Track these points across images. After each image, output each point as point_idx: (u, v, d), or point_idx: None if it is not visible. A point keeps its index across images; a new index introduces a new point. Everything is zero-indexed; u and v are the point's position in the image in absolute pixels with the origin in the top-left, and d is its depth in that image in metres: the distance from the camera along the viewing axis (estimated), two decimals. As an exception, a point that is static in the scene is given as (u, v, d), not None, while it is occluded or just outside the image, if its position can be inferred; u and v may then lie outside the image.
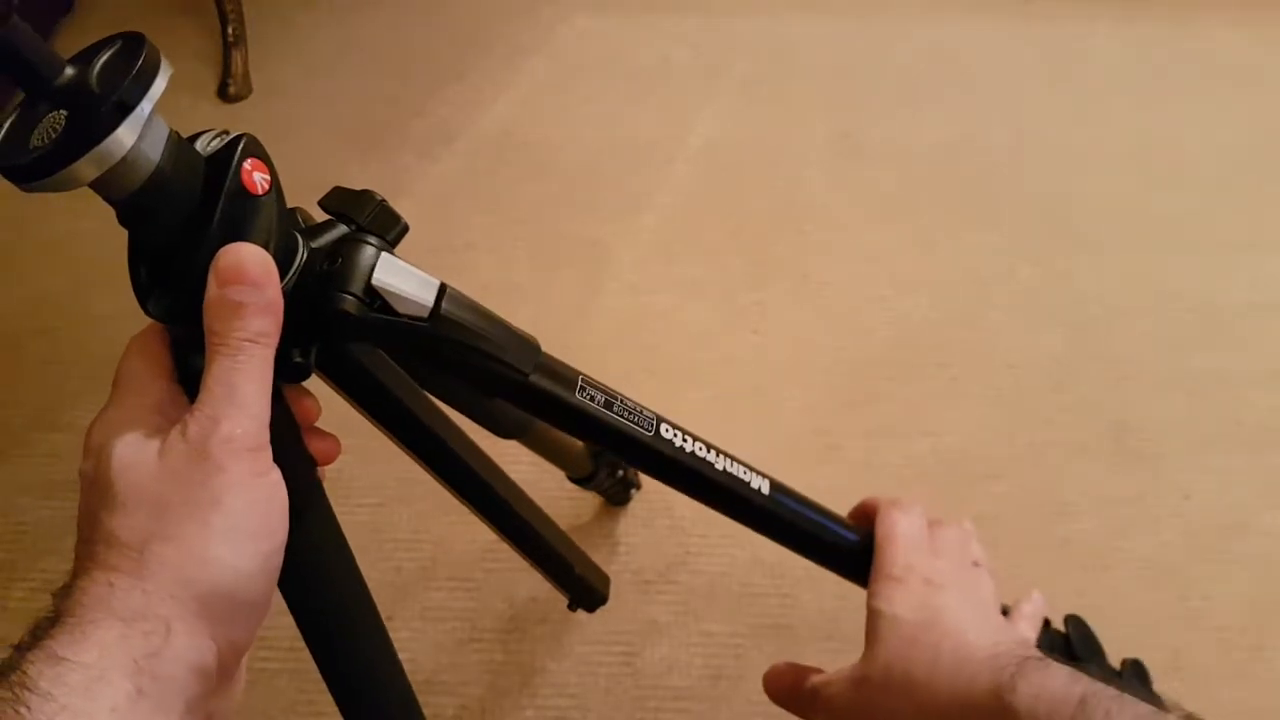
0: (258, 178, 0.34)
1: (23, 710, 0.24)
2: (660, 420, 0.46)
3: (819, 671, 0.49)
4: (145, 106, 0.29)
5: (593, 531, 0.89)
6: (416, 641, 0.82)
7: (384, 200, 0.40)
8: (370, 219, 0.39)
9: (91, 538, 0.30)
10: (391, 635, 0.89)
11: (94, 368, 1.02)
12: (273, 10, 1.43)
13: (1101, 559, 0.87)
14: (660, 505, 0.87)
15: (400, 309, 0.37)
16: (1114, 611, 0.84)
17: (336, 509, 1.02)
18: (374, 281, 0.36)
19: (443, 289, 0.39)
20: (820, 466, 0.92)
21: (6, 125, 0.30)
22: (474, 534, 0.89)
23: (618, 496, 0.88)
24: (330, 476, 1.01)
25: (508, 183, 1.21)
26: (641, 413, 0.46)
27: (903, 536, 0.50)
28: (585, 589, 0.71)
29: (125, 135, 0.29)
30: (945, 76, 1.36)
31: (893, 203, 1.18)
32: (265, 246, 0.33)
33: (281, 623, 0.92)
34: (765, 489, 0.50)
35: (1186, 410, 0.97)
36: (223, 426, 0.30)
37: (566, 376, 0.45)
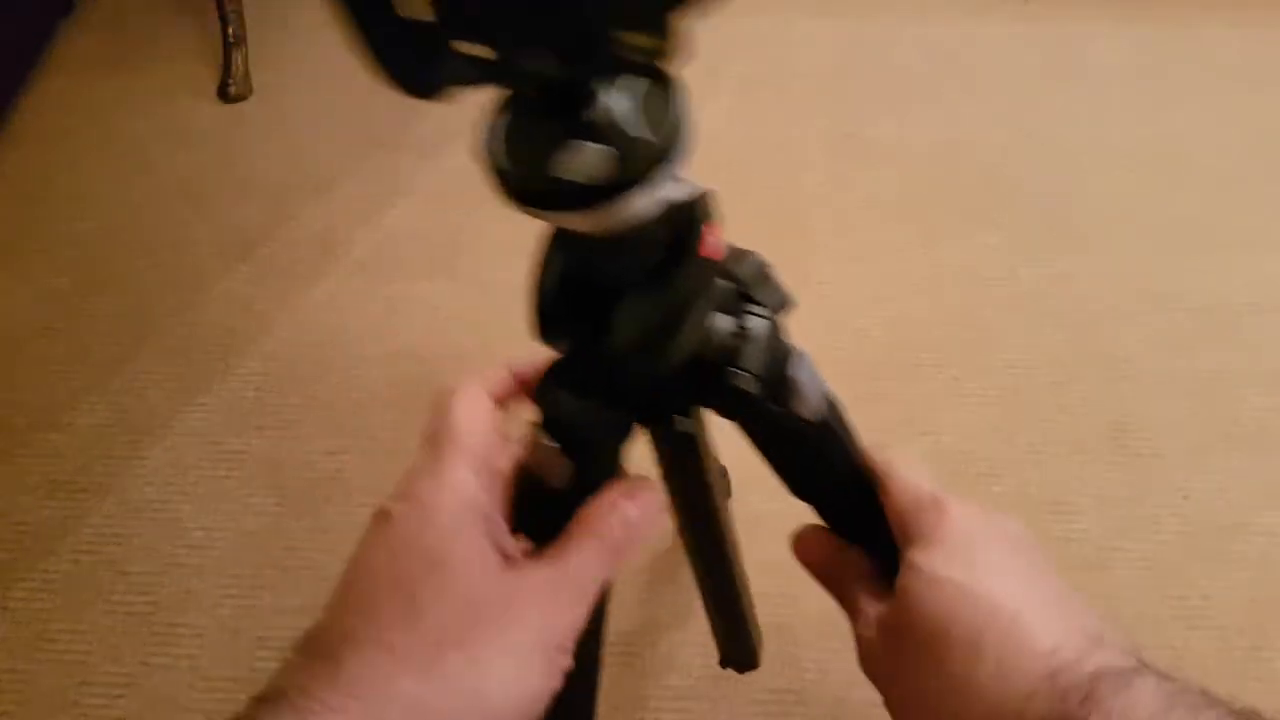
0: (712, 241, 0.33)
1: None
2: None
3: (862, 570, 0.40)
4: (679, 165, 0.28)
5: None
6: (417, 641, 0.82)
7: (767, 265, 0.39)
8: (758, 287, 0.38)
9: (389, 608, 0.27)
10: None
11: (95, 368, 1.02)
12: (273, 10, 1.43)
13: (1101, 558, 0.87)
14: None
15: (795, 407, 0.36)
16: (1113, 611, 0.84)
17: (338, 510, 1.02)
18: (790, 374, 0.36)
19: (832, 400, 0.38)
20: (820, 466, 0.92)
21: (505, 128, 0.28)
22: (474, 534, 0.89)
23: None
24: (330, 476, 1.02)
25: (508, 183, 1.21)
26: None
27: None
28: (746, 651, 0.71)
29: (659, 190, 0.28)
30: (945, 76, 1.36)
31: (892, 203, 1.18)
32: (703, 312, 0.33)
33: (283, 622, 0.92)
34: None
35: (1186, 410, 0.97)
36: (562, 625, 0.29)
37: None
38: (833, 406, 0.39)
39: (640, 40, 0.23)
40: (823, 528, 0.44)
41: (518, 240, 1.32)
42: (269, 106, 1.31)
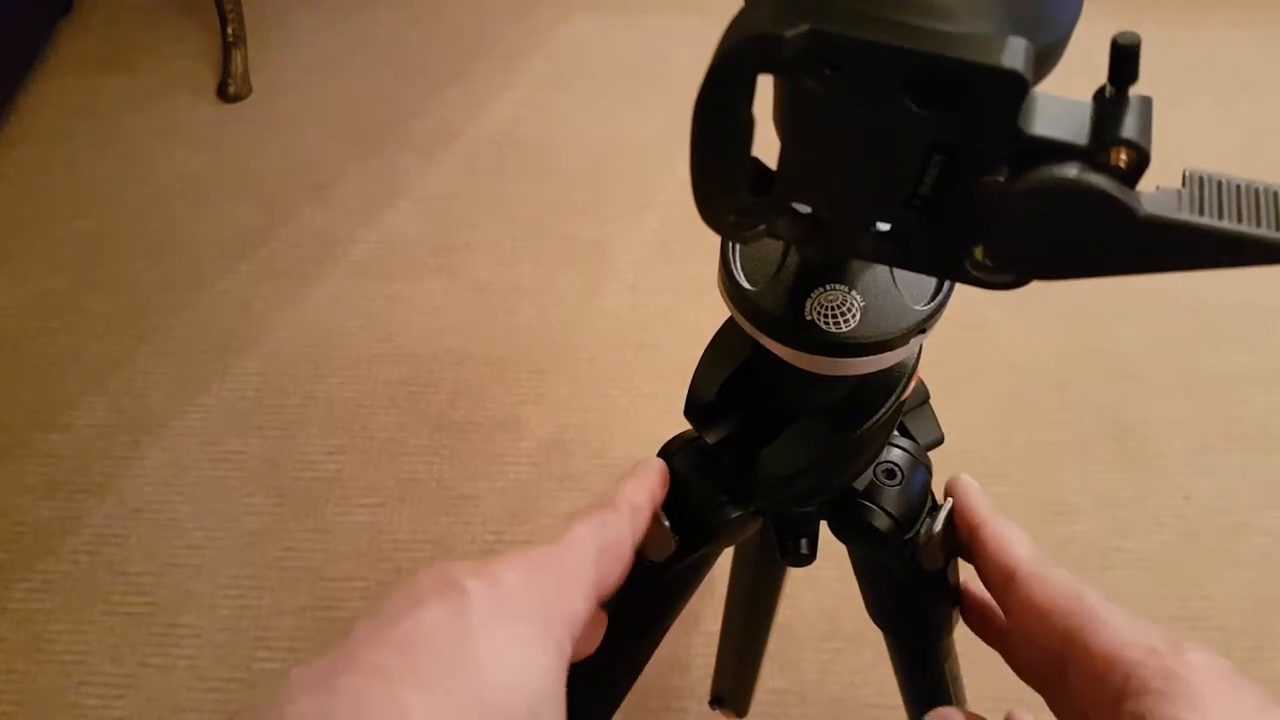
0: (910, 386, 0.32)
1: None
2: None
3: None
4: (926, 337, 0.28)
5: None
6: (416, 642, 0.82)
7: (928, 395, 0.38)
8: (914, 418, 0.37)
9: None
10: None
11: (94, 368, 1.02)
12: (272, 10, 1.43)
13: (1102, 559, 0.87)
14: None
15: (921, 558, 0.36)
16: (1114, 611, 0.84)
17: (336, 509, 1.02)
18: (925, 527, 0.35)
19: (952, 559, 0.37)
20: (820, 466, 0.92)
21: (773, 274, 0.28)
22: (474, 534, 0.89)
23: None
24: (329, 477, 1.02)
25: (508, 183, 1.21)
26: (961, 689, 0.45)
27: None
28: (740, 697, 0.72)
29: (899, 356, 0.28)
30: (945, 76, 1.36)
31: (893, 203, 1.18)
32: (872, 460, 0.33)
33: (282, 623, 0.92)
34: None
35: (1187, 410, 0.97)
36: None
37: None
38: (951, 558, 0.37)
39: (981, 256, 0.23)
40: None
41: (517, 241, 1.32)
42: (268, 106, 1.31)
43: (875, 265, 0.28)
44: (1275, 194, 0.20)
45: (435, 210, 1.18)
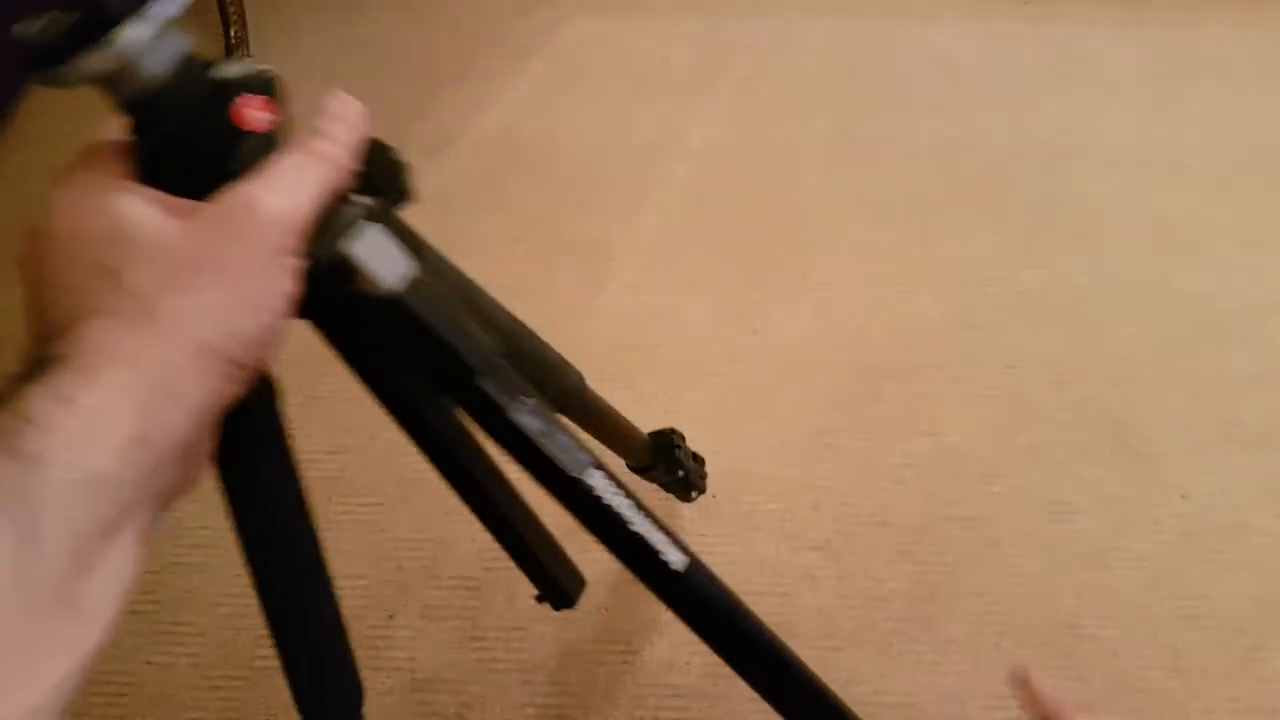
0: (251, 114, 0.34)
1: (22, 440, 0.24)
2: (596, 466, 0.45)
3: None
4: (155, 11, 0.30)
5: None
6: (418, 640, 0.82)
7: (400, 160, 0.39)
8: (381, 182, 0.39)
9: (91, 286, 0.29)
10: (393, 634, 0.89)
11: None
12: (275, 12, 1.43)
13: (1100, 558, 0.87)
14: (664, 507, 0.87)
15: (361, 284, 0.37)
16: (1112, 611, 0.84)
17: (339, 509, 1.03)
18: (343, 249, 0.36)
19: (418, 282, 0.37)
20: (819, 466, 0.92)
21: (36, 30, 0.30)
22: (475, 533, 0.89)
23: (679, 493, 0.87)
24: (332, 477, 1.02)
25: (508, 183, 1.22)
26: (576, 454, 0.45)
27: None
28: (555, 588, 0.70)
29: (130, 35, 0.30)
30: (945, 76, 1.36)
31: (892, 202, 1.18)
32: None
33: (283, 622, 0.91)
34: (681, 565, 0.49)
35: (1185, 410, 0.97)
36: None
37: (513, 391, 0.44)
38: (421, 285, 0.38)
39: None
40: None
41: (517, 241, 1.32)
42: (270, 107, 1.31)
43: None
44: None
45: (436, 211, 1.18)
